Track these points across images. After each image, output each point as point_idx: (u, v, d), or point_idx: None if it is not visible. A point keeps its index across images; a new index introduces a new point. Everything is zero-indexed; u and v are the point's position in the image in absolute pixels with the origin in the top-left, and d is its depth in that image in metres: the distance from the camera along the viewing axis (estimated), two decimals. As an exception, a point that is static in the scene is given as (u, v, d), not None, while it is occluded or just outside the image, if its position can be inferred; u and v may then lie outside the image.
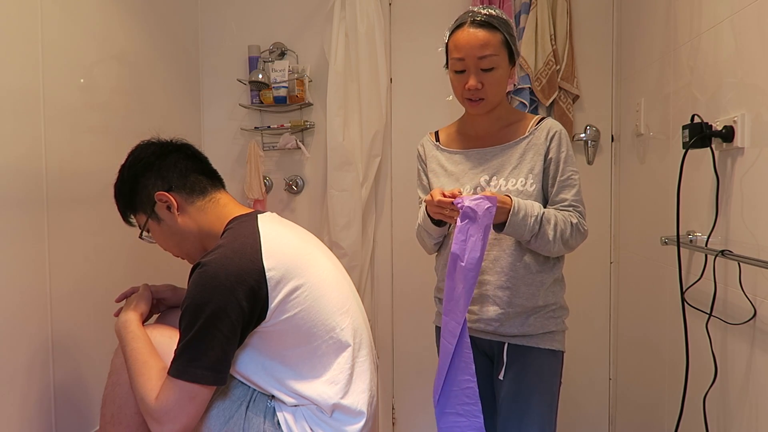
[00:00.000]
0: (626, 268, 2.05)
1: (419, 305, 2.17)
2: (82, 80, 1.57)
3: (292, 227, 1.26)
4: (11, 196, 1.30)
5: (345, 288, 1.23)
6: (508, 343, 1.33)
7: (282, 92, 2.18)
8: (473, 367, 1.22)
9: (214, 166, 1.30)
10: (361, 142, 2.14)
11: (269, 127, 2.27)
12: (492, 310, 1.32)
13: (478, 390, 1.23)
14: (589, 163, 2.14)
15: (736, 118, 1.23)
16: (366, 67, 2.11)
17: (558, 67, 2.05)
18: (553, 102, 2.07)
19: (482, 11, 1.32)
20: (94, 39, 1.63)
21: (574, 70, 2.07)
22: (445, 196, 1.23)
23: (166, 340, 1.14)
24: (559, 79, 2.05)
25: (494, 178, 1.35)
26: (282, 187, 2.33)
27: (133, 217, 1.27)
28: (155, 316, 1.34)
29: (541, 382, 1.32)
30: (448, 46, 1.36)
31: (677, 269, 1.42)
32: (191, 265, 1.10)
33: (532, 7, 2.03)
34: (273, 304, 1.07)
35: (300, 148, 2.24)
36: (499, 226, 1.26)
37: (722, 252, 1.24)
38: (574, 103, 2.11)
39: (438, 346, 1.39)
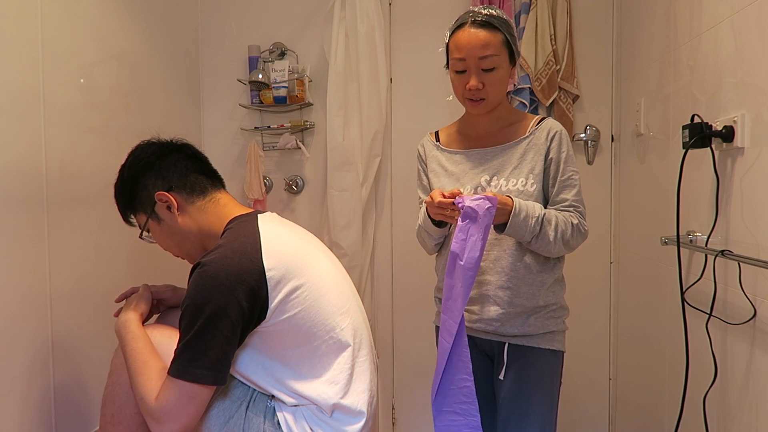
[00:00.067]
0: (626, 268, 2.05)
1: (419, 305, 2.17)
2: (82, 80, 1.57)
3: (292, 227, 1.26)
4: (11, 196, 1.30)
5: (345, 288, 1.23)
6: (509, 343, 1.33)
7: (282, 92, 2.18)
8: (470, 366, 1.22)
9: (214, 166, 1.30)
10: (361, 142, 2.14)
11: (269, 127, 2.27)
12: (492, 310, 1.32)
13: (474, 389, 1.23)
14: (589, 163, 2.14)
15: (736, 118, 1.23)
16: (366, 67, 2.11)
17: (558, 67, 2.05)
18: (553, 102, 2.08)
19: (483, 11, 1.32)
20: (94, 39, 1.63)
21: (574, 70, 2.07)
22: (444, 196, 1.23)
23: (166, 340, 1.14)
24: (559, 79, 2.05)
25: (495, 178, 1.35)
26: (282, 187, 2.33)
27: (133, 217, 1.27)
28: (155, 316, 1.34)
29: (542, 382, 1.32)
30: (449, 47, 1.36)
31: (677, 269, 1.42)
32: (191, 265, 1.10)
33: (532, 7, 2.03)
34: (273, 304, 1.07)
35: (300, 148, 2.24)
36: (501, 227, 1.26)
37: (722, 252, 1.24)
38: (574, 103, 2.11)
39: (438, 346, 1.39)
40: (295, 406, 1.14)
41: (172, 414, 1.03)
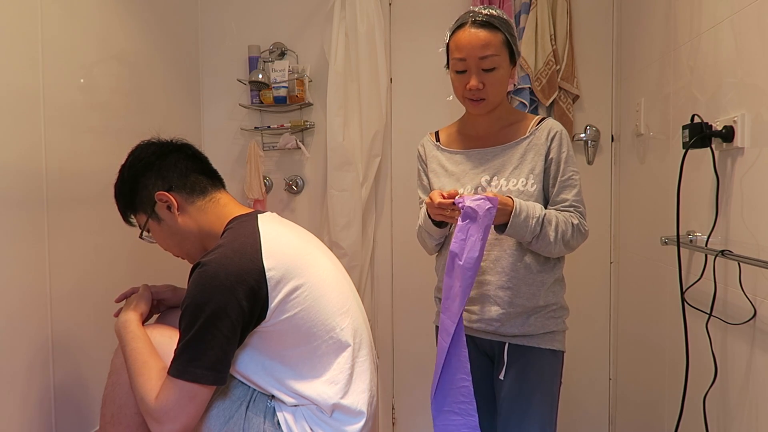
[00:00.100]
0: (626, 268, 2.05)
1: (419, 305, 2.17)
2: (82, 80, 1.57)
3: (292, 227, 1.26)
4: (11, 196, 1.30)
5: (345, 288, 1.23)
6: (509, 343, 1.33)
7: (282, 92, 2.18)
8: (469, 365, 1.22)
9: (214, 166, 1.30)
10: (361, 142, 2.14)
11: (269, 127, 2.27)
12: (493, 310, 1.32)
13: (473, 389, 1.23)
14: (589, 163, 2.14)
15: (736, 118, 1.23)
16: (366, 67, 2.11)
17: (558, 67, 2.05)
18: (553, 102, 2.08)
19: (483, 11, 1.32)
20: (94, 39, 1.63)
21: (574, 70, 2.07)
22: (444, 197, 1.23)
23: (166, 340, 1.14)
24: (559, 79, 2.05)
25: (495, 178, 1.35)
26: (282, 187, 2.33)
27: (133, 217, 1.27)
28: (155, 316, 1.34)
29: (542, 382, 1.32)
30: (449, 47, 1.36)
31: (677, 269, 1.42)
32: (191, 265, 1.10)
33: (532, 7, 2.03)
34: (273, 303, 1.07)
35: (300, 148, 2.24)
36: (501, 228, 1.26)
37: (722, 252, 1.24)
38: (574, 103, 2.11)
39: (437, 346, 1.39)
40: (295, 406, 1.14)
41: (172, 414, 1.03)
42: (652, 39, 1.77)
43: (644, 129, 1.82)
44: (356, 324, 1.19)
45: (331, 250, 1.36)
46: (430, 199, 1.26)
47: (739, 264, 1.21)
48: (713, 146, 1.31)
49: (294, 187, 2.31)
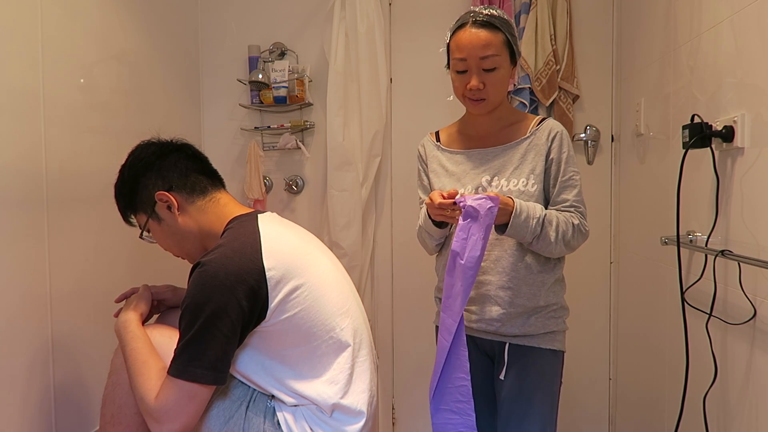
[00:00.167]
0: (626, 268, 2.05)
1: (419, 305, 2.17)
2: (82, 80, 1.57)
3: (292, 227, 1.26)
4: (11, 196, 1.30)
5: (345, 288, 1.23)
6: (509, 343, 1.33)
7: (282, 92, 2.18)
8: (468, 365, 1.22)
9: (214, 166, 1.30)
10: (361, 142, 2.14)
11: (269, 127, 2.27)
12: (493, 311, 1.32)
13: (471, 388, 1.23)
14: (589, 163, 2.14)
15: (736, 118, 1.23)
16: (366, 67, 2.11)
17: (558, 67, 2.05)
18: (553, 102, 2.08)
19: (484, 11, 1.32)
20: (94, 39, 1.63)
21: (574, 70, 2.07)
22: (444, 197, 1.23)
23: (166, 340, 1.14)
24: (559, 79, 2.05)
25: (495, 178, 1.35)
26: (282, 187, 2.33)
27: (133, 217, 1.27)
28: (155, 316, 1.34)
29: (542, 382, 1.32)
30: (450, 47, 1.36)
31: (677, 269, 1.42)
32: (191, 265, 1.10)
33: (532, 7, 2.03)
34: (273, 303, 1.07)
35: (300, 148, 2.24)
36: (501, 228, 1.26)
37: (722, 252, 1.24)
38: (574, 103, 2.11)
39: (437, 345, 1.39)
40: (295, 406, 1.14)
41: (171, 414, 1.03)
42: (652, 39, 1.77)
43: (644, 129, 1.82)
44: (356, 324, 1.19)
45: (331, 250, 1.36)
46: (431, 199, 1.26)
47: (739, 264, 1.21)
48: (713, 146, 1.31)
49: (294, 187, 2.31)
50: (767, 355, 1.15)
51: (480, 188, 1.35)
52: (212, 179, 1.26)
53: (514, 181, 1.33)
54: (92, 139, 1.61)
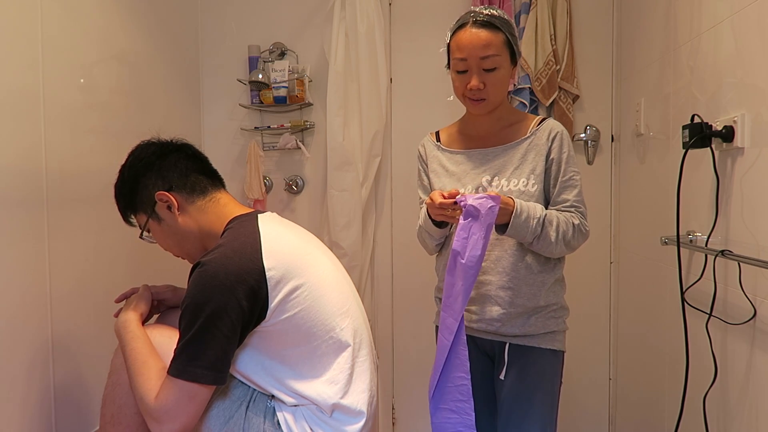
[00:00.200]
0: (626, 268, 2.05)
1: (419, 305, 2.18)
2: (82, 80, 1.57)
3: (292, 227, 1.26)
4: (11, 196, 1.30)
5: (345, 288, 1.23)
6: (510, 343, 1.33)
7: (282, 92, 2.18)
8: (468, 365, 1.22)
9: (214, 166, 1.30)
10: (361, 142, 2.14)
11: (269, 127, 2.27)
12: (494, 310, 1.32)
13: (471, 388, 1.23)
14: (589, 163, 2.14)
15: (736, 118, 1.23)
16: (366, 67, 2.11)
17: (558, 67, 2.05)
18: (553, 102, 2.08)
19: (484, 11, 1.32)
20: (94, 39, 1.63)
21: (574, 70, 2.07)
22: (444, 197, 1.23)
23: (166, 340, 1.14)
24: (559, 79, 2.05)
25: (496, 178, 1.35)
26: (282, 187, 2.33)
27: (133, 217, 1.27)
28: (155, 316, 1.34)
29: (543, 382, 1.32)
30: (450, 46, 1.36)
31: (677, 269, 1.42)
32: (191, 265, 1.10)
33: (532, 7, 2.03)
34: (273, 303, 1.07)
35: (300, 148, 2.24)
36: (502, 228, 1.26)
37: (722, 252, 1.24)
38: (574, 103, 2.11)
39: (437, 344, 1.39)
40: (295, 406, 1.14)
41: (171, 413, 1.03)
42: (652, 39, 1.77)
43: (644, 129, 1.82)
44: (356, 324, 1.19)
45: (331, 250, 1.36)
46: (431, 199, 1.26)
47: (739, 264, 1.21)
48: (713, 146, 1.31)
49: (294, 187, 2.31)
50: (767, 355, 1.15)
51: (480, 188, 1.35)
52: (212, 179, 1.26)
53: (515, 181, 1.33)
54: (92, 139, 1.60)
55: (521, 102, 2.05)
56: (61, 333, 1.46)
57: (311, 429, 1.12)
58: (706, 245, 1.36)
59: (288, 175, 2.32)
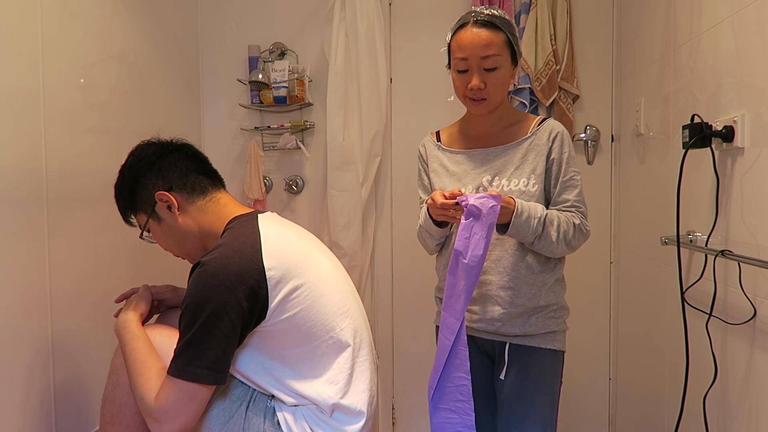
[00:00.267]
0: (626, 268, 2.05)
1: (419, 305, 2.18)
2: (82, 80, 1.57)
3: (292, 227, 1.26)
4: (11, 196, 1.30)
5: (345, 288, 1.23)
6: (510, 343, 1.33)
7: (282, 92, 2.18)
8: (468, 365, 1.22)
9: (214, 166, 1.30)
10: (361, 142, 2.14)
11: (269, 127, 2.27)
12: (494, 310, 1.32)
13: (471, 388, 1.23)
14: (589, 163, 2.14)
15: (736, 118, 1.23)
16: (366, 67, 2.11)
17: (558, 67, 2.05)
18: (553, 102, 2.08)
19: (485, 11, 1.32)
20: (94, 39, 1.63)
21: (574, 70, 2.07)
22: (445, 197, 1.23)
23: (166, 340, 1.14)
24: (559, 79, 2.05)
25: (496, 178, 1.35)
26: (282, 187, 2.33)
27: (133, 217, 1.27)
28: (155, 317, 1.34)
29: (543, 382, 1.32)
30: (451, 46, 1.36)
31: (677, 269, 1.42)
32: (191, 265, 1.10)
33: (532, 7, 2.03)
34: (273, 303, 1.07)
35: (300, 148, 2.24)
36: (503, 228, 1.26)
37: (722, 252, 1.24)
38: (574, 103, 2.11)
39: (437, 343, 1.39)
40: (295, 406, 1.14)
41: (171, 413, 1.03)
42: (652, 39, 1.77)
43: (644, 129, 1.82)
44: (356, 324, 1.19)
45: (331, 250, 1.36)
46: (432, 200, 1.26)
47: (739, 264, 1.21)
48: (713, 146, 1.31)
49: (294, 187, 2.31)
50: (767, 355, 1.15)
51: (481, 188, 1.35)
52: (212, 179, 1.26)
53: (515, 181, 1.33)
54: (92, 139, 1.61)
55: (521, 102, 2.05)
56: (61, 333, 1.46)
57: (311, 429, 1.12)
58: (706, 245, 1.36)
59: (288, 175, 2.32)
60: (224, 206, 1.23)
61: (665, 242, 1.49)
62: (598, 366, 2.17)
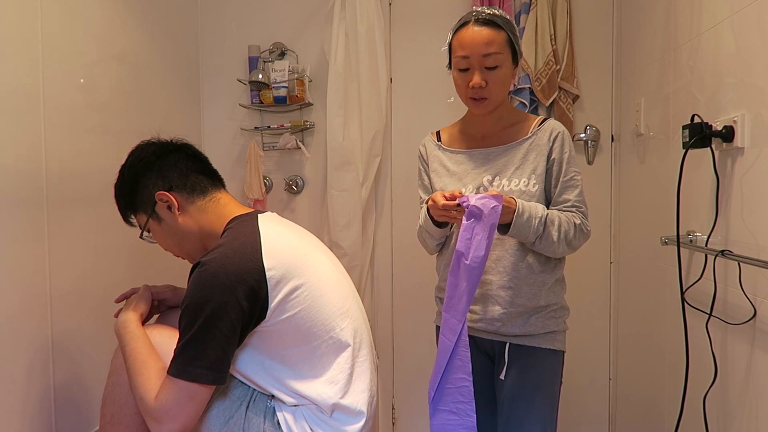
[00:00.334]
0: (626, 268, 2.05)
1: (419, 305, 2.18)
2: (82, 80, 1.57)
3: (293, 227, 1.26)
4: (11, 196, 1.30)
5: (345, 288, 1.23)
6: (510, 343, 1.33)
7: (282, 92, 2.18)
8: (470, 366, 1.22)
9: (214, 166, 1.30)
10: (361, 142, 2.14)
11: (269, 127, 2.27)
12: (494, 310, 1.32)
13: (473, 390, 1.23)
14: (589, 163, 2.14)
15: (736, 118, 1.23)
16: (366, 67, 2.11)
17: (558, 67, 2.05)
18: (553, 102, 2.08)
19: (486, 11, 1.33)
20: (94, 39, 1.63)
21: (574, 70, 2.07)
22: (446, 198, 1.23)
23: (166, 340, 1.14)
24: (559, 79, 2.05)
25: (497, 178, 1.35)
26: (282, 187, 2.33)
27: (133, 217, 1.27)
28: (155, 317, 1.34)
29: (543, 382, 1.32)
30: (452, 45, 1.36)
31: (677, 269, 1.42)
32: (191, 265, 1.10)
33: (532, 7, 2.03)
34: (273, 303, 1.07)
35: (300, 148, 2.24)
36: (504, 228, 1.26)
37: (722, 252, 1.24)
38: (574, 103, 2.11)
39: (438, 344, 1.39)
40: (295, 406, 1.14)
41: (171, 413, 1.03)
42: (652, 39, 1.77)
43: (644, 129, 1.82)
44: (356, 324, 1.19)
45: (331, 250, 1.36)
46: (433, 201, 1.26)
47: (739, 264, 1.21)
48: (713, 146, 1.31)
49: (294, 187, 2.31)
50: (767, 355, 1.15)
51: (481, 188, 1.35)
52: (212, 179, 1.26)
53: (516, 181, 1.33)
54: (92, 139, 1.60)
55: (521, 102, 2.05)
56: (61, 333, 1.46)
57: (311, 429, 1.12)
58: (706, 245, 1.36)
59: (288, 175, 2.32)
60: (224, 206, 1.23)
61: (665, 242, 1.49)
62: (598, 366, 2.17)
